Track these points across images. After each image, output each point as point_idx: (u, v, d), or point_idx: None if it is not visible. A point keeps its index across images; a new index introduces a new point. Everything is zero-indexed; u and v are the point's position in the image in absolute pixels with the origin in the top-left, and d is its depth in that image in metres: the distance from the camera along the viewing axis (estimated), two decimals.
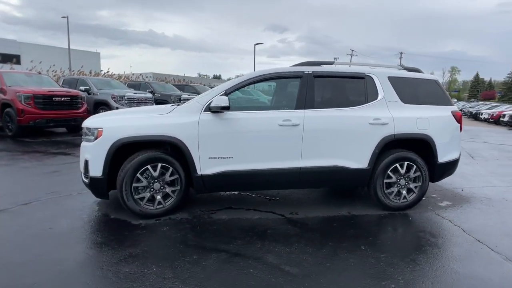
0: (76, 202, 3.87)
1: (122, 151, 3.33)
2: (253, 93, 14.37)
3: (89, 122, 3.50)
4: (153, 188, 3.38)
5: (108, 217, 3.44)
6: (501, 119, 19.39)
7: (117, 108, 10.50)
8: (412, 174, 3.76)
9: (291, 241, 3.00)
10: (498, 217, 3.69)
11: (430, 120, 3.77)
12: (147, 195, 3.37)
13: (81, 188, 4.34)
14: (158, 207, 3.42)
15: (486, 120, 21.99)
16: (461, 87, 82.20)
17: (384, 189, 3.73)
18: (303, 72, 3.67)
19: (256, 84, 3.79)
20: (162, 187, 3.41)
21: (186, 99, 14.49)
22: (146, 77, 27.86)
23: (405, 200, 3.79)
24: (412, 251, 2.87)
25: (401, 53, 54.05)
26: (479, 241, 3.09)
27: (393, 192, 3.77)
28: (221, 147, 3.39)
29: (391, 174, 3.72)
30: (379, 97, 3.74)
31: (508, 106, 24.68)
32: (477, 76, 70.70)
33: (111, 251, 2.71)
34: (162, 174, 3.39)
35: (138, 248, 2.77)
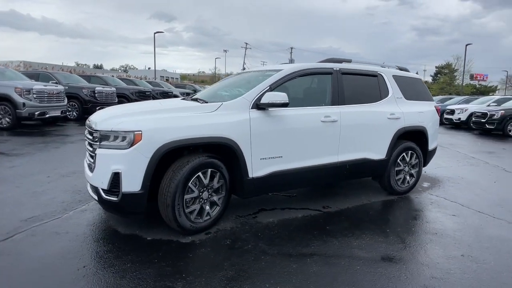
0: (77, 227, 3.02)
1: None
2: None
3: (115, 124, 2.71)
4: (202, 198, 2.94)
5: (145, 240, 2.82)
6: None
7: (23, 104, 8.43)
8: (413, 161, 4.32)
9: (357, 233, 3.09)
10: (471, 192, 4.59)
11: (425, 113, 4.39)
12: (197, 207, 2.91)
13: (62, 208, 3.48)
14: (205, 218, 3.00)
15: None
16: None
17: (395, 176, 4.17)
18: (332, 68, 3.74)
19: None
20: (209, 196, 3.00)
21: (101, 92, 12.69)
22: (30, 66, 22.82)
23: (408, 184, 4.34)
24: (450, 226, 3.34)
25: (291, 48, 59.25)
26: (479, 211, 3.82)
27: (400, 178, 4.25)
28: (272, 147, 3.19)
29: (400, 162, 4.19)
30: (390, 94, 4.14)
31: None
32: None
33: (202, 279, 2.26)
34: (209, 181, 2.97)
35: (228, 270, 2.39)
